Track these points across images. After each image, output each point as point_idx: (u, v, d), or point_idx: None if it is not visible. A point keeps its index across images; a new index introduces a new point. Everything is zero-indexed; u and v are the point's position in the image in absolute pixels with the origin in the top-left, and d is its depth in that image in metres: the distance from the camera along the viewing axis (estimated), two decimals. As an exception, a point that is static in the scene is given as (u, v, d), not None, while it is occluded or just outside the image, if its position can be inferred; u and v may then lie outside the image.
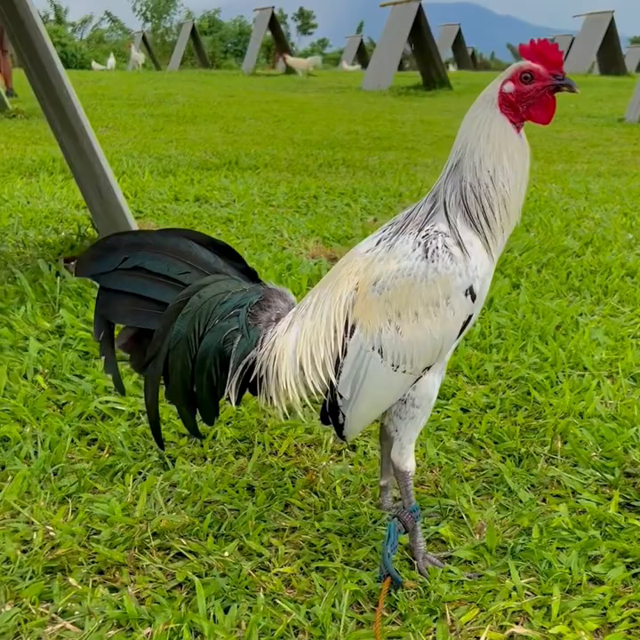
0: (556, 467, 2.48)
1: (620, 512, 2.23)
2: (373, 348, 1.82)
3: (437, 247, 1.77)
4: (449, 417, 2.76)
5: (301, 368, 1.91)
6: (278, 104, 16.07)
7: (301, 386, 1.92)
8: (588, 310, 3.81)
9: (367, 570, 2.01)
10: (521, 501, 2.30)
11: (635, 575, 2.00)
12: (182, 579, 1.96)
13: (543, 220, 5.44)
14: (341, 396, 1.88)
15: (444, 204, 1.82)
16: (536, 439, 2.63)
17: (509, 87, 1.78)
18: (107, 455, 2.53)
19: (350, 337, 1.85)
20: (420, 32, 19.30)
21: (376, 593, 1.92)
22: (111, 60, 35.76)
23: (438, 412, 2.78)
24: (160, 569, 2.01)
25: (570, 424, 2.67)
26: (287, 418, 2.00)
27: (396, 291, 1.78)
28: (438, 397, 1.95)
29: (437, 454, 2.54)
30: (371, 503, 2.29)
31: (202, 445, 2.58)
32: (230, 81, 23.89)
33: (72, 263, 4.22)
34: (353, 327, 1.84)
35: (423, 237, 1.80)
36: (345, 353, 1.86)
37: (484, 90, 1.83)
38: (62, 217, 5.57)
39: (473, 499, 2.31)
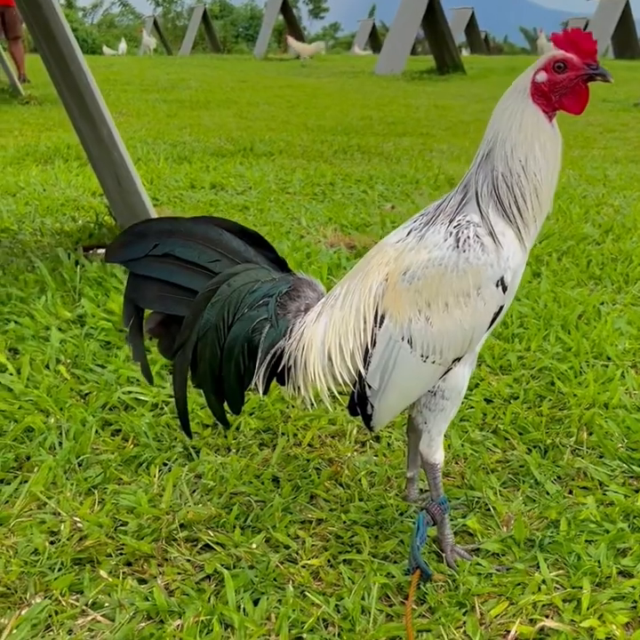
0: (582, 458, 2.47)
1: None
2: (403, 339, 1.80)
3: (469, 237, 1.76)
4: (473, 408, 2.75)
5: (330, 359, 1.89)
6: (291, 89, 16.01)
7: (329, 376, 1.91)
8: (610, 299, 3.79)
9: (395, 562, 2.01)
10: (548, 493, 2.29)
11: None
12: (211, 571, 1.96)
13: (562, 207, 5.41)
14: (370, 387, 1.87)
15: (476, 194, 1.80)
16: (561, 430, 2.62)
17: (542, 77, 1.77)
18: (131, 446, 2.53)
19: (380, 327, 1.83)
20: (433, 15, 19.18)
21: (405, 586, 1.92)
22: (122, 45, 35.67)
23: (462, 402, 2.77)
24: (188, 561, 2.01)
25: (595, 415, 2.65)
26: (314, 407, 1.99)
27: (427, 280, 1.77)
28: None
29: (462, 445, 2.53)
30: (397, 495, 2.29)
31: (226, 436, 2.58)
32: (242, 66, 23.82)
33: (91, 252, 4.22)
34: (382, 317, 1.83)
35: (454, 227, 1.79)
36: (374, 343, 1.84)
37: (516, 80, 1.81)
38: (79, 204, 5.57)
39: (499, 490, 2.31)
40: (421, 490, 2.28)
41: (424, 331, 1.79)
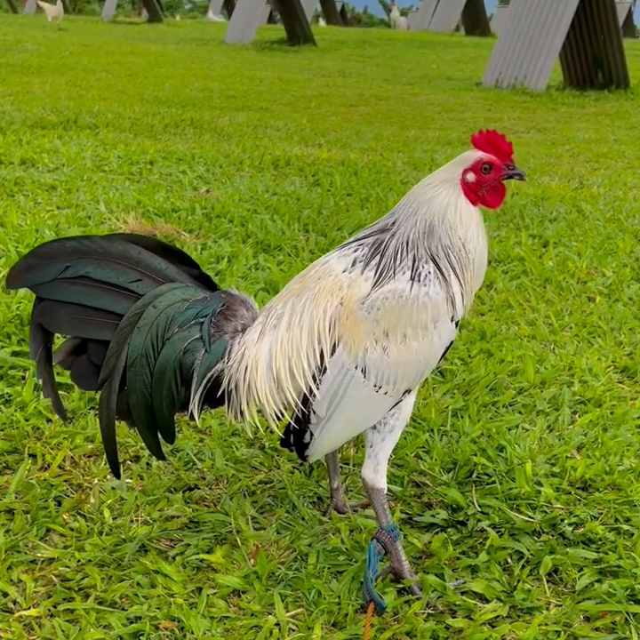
0: (347, 476, 2.37)
1: (401, 529, 2.14)
2: (356, 368, 1.80)
3: (429, 272, 1.80)
4: (245, 420, 2.60)
5: (279, 380, 1.83)
6: (135, 56, 15.42)
7: (279, 398, 1.85)
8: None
9: (123, 609, 1.84)
10: (303, 519, 2.17)
11: (407, 602, 1.91)
12: None
13: (380, 195, 5.32)
14: (315, 414, 1.82)
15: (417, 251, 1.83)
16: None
17: (472, 177, 1.86)
18: None
19: (332, 354, 1.81)
20: (284, -15, 18.90)
21: (125, 638, 1.75)
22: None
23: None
24: None
25: (366, 428, 2.56)
26: (256, 433, 1.94)
27: (386, 311, 1.79)
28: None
29: (226, 465, 2.38)
30: (143, 524, 2.11)
31: (-33, 459, 2.34)
32: (88, 28, 22.81)
33: None
34: (335, 344, 1.81)
35: (412, 261, 1.80)
36: (324, 370, 1.81)
37: (442, 173, 1.88)
38: None
39: (254, 517, 2.17)
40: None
41: (380, 361, 1.79)
